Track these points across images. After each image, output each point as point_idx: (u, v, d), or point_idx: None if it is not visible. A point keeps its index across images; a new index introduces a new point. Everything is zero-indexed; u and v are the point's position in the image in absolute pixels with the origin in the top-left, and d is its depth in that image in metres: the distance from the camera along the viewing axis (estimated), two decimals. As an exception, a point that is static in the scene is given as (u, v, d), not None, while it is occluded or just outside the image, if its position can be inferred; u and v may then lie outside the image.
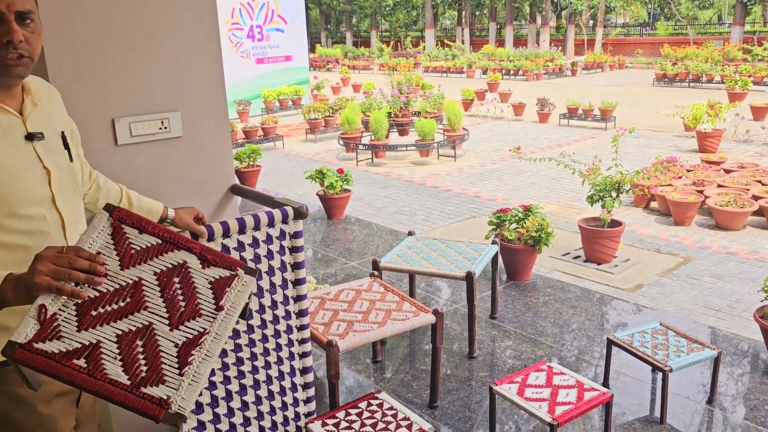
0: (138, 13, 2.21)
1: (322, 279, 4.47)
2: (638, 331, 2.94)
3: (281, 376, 2.32)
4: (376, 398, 2.45)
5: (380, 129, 9.53)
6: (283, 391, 2.34)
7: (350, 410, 2.38)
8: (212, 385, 2.14)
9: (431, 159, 9.75)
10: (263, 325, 2.22)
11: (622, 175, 5.02)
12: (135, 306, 1.20)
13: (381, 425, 2.28)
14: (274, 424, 2.34)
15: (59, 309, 1.16)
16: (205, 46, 2.40)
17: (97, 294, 1.19)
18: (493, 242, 3.59)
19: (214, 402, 2.15)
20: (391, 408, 2.38)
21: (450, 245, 3.58)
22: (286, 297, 2.27)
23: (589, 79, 22.17)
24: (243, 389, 2.22)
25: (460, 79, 23.52)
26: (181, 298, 1.24)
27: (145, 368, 1.14)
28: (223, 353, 2.15)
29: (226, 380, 2.17)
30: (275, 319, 2.25)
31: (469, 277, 3.12)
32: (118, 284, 1.21)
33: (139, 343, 1.17)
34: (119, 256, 1.24)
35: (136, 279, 1.22)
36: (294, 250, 2.25)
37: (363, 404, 2.41)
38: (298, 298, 2.31)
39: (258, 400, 2.27)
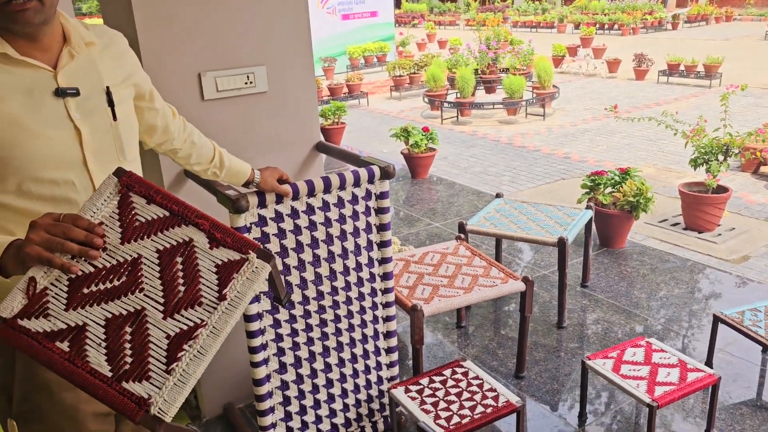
0: (224, -38, 2.14)
1: (405, 239, 4.40)
2: (749, 308, 2.69)
3: (365, 339, 2.27)
4: (461, 366, 2.36)
5: (466, 86, 9.25)
6: (366, 355, 2.29)
7: (434, 377, 2.31)
8: (296, 346, 2.11)
9: (519, 118, 9.40)
10: (347, 287, 2.17)
11: (731, 137, 4.61)
12: (130, 287, 1.09)
13: (466, 395, 2.20)
14: (356, 387, 2.30)
15: (51, 284, 1.07)
16: (291, 2, 2.31)
17: (92, 269, 1.09)
18: (588, 207, 3.38)
19: (297, 363, 2.13)
20: (477, 377, 2.29)
21: (540, 209, 3.40)
22: (371, 259, 2.20)
23: (691, 33, 20.66)
24: (326, 351, 2.19)
25: (550, 34, 22.51)
26: (181, 281, 1.11)
27: (130, 359, 1.04)
28: (307, 314, 2.12)
29: (310, 341, 2.14)
30: (359, 282, 2.19)
31: (561, 244, 2.95)
32: (116, 260, 1.10)
33: (128, 330, 1.06)
34: (122, 227, 1.13)
35: (136, 256, 1.11)
36: (380, 211, 2.16)
37: (447, 372, 2.33)
38: (383, 261, 2.23)
39: (341, 363, 2.23)
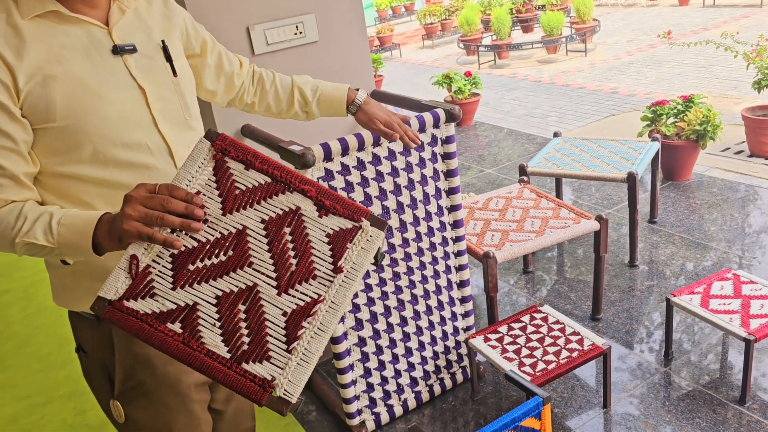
0: None
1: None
2: (842, 232, 2.53)
3: (438, 290, 2.20)
4: (540, 311, 2.29)
5: (502, 27, 8.93)
6: (441, 306, 2.23)
7: (513, 324, 2.23)
8: (371, 301, 2.06)
9: (559, 56, 9.06)
10: (418, 237, 2.09)
11: (799, 54, 4.32)
12: (238, 261, 1.01)
13: (549, 340, 2.12)
14: (433, 338, 2.25)
15: (153, 260, 0.99)
16: (337, -63, 2.18)
17: (195, 244, 1.01)
18: (653, 138, 3.21)
19: (374, 318, 2.08)
20: (558, 322, 2.21)
21: (603, 144, 3.24)
22: (440, 207, 2.11)
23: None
24: (401, 304, 2.13)
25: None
26: (292, 254, 1.02)
27: (247, 339, 0.97)
28: (380, 268, 2.05)
29: (384, 296, 2.08)
30: (430, 231, 2.11)
31: (631, 179, 2.81)
32: (219, 233, 1.02)
33: (242, 308, 0.99)
34: (221, 197, 1.04)
35: (240, 227, 1.02)
36: (447, 156, 2.06)
37: (526, 318, 2.26)
38: (453, 209, 2.14)
39: (416, 315, 2.17)
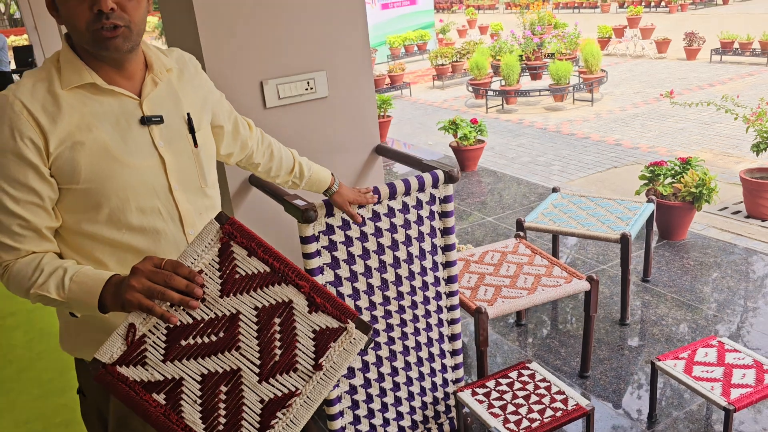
0: (284, -29, 2.15)
1: (458, 235, 4.38)
2: (826, 304, 2.60)
3: (430, 342, 2.27)
4: (527, 368, 2.35)
5: (511, 73, 9.12)
6: (431, 358, 2.29)
7: (500, 380, 2.30)
8: (362, 351, 2.13)
9: (566, 104, 9.23)
10: (413, 291, 2.17)
11: (797, 121, 4.43)
12: (227, 344, 1.07)
13: (534, 398, 2.18)
14: (422, 390, 2.31)
15: (149, 330, 1.06)
16: (351, 5, 2.31)
17: (191, 320, 1.08)
18: (649, 200, 3.30)
19: (365, 367, 2.15)
20: (544, 380, 2.27)
21: (600, 203, 3.34)
22: (435, 263, 2.20)
23: (744, 8, 19.87)
24: (393, 355, 2.20)
25: (593, 14, 21.97)
26: (278, 344, 1.09)
27: (223, 420, 1.03)
28: (374, 319, 2.13)
29: (377, 346, 2.15)
30: (424, 285, 2.19)
31: (624, 240, 2.89)
32: (215, 314, 1.09)
33: (223, 389, 1.05)
34: (222, 279, 1.11)
35: (234, 311, 1.09)
36: (444, 215, 2.15)
37: (514, 374, 2.32)
38: (448, 264, 2.23)
39: (407, 366, 2.24)
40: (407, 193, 2.05)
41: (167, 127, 1.31)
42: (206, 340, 1.07)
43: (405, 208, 2.07)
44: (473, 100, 9.99)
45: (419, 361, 2.27)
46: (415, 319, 2.21)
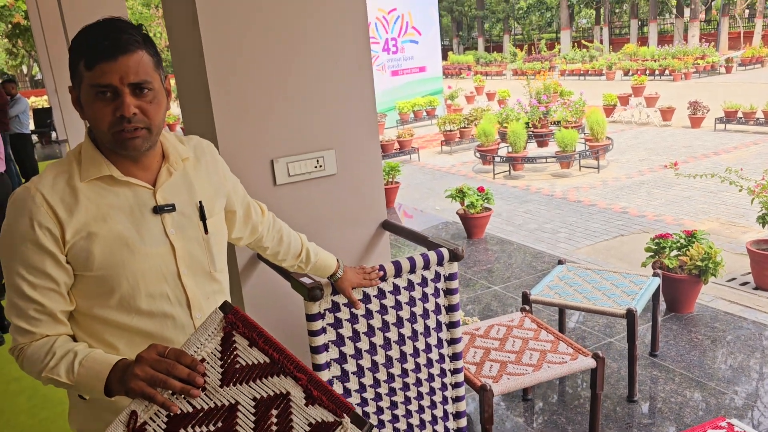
0: (296, 58, 2.25)
1: (464, 304, 4.38)
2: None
3: (434, 420, 2.25)
4: (533, 448, 2.32)
5: (518, 141, 9.27)
6: (436, 436, 2.27)
7: (506, 460, 2.26)
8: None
9: (572, 171, 9.34)
10: (417, 368, 2.17)
11: (802, 193, 4.47)
12: (225, 430, 1.10)
13: (540, 481, 2.15)
14: (426, 469, 2.28)
15: (150, 418, 1.08)
16: (359, 85, 2.40)
17: (191, 409, 1.10)
18: (655, 274, 3.31)
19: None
20: (550, 461, 2.24)
21: (605, 276, 3.35)
22: (440, 340, 2.21)
23: (747, 77, 20.28)
24: (396, 433, 2.18)
25: (599, 81, 22.46)
26: None
27: None
28: (378, 397, 2.13)
29: (380, 424, 2.14)
30: (429, 363, 2.19)
31: (630, 316, 2.89)
32: (214, 403, 1.11)
33: None
34: (223, 368, 1.14)
35: (233, 402, 1.12)
36: (449, 292, 2.18)
37: (519, 454, 2.29)
38: (452, 341, 2.23)
39: (411, 445, 2.22)
40: (412, 270, 2.08)
41: (179, 214, 1.36)
42: (204, 429, 1.09)
43: (410, 286, 2.10)
44: (480, 165, 10.13)
45: (423, 440, 2.24)
46: (420, 396, 2.20)
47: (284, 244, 1.77)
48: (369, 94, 2.45)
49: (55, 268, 1.24)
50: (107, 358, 1.19)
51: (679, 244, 3.89)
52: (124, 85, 1.21)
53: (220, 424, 1.09)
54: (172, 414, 1.09)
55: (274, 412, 1.12)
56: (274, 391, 1.13)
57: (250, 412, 1.12)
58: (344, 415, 1.13)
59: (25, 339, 1.24)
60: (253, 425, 1.10)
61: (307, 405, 1.13)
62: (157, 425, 1.08)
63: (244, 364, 1.14)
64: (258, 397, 1.13)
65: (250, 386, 1.13)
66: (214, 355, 1.14)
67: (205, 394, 1.11)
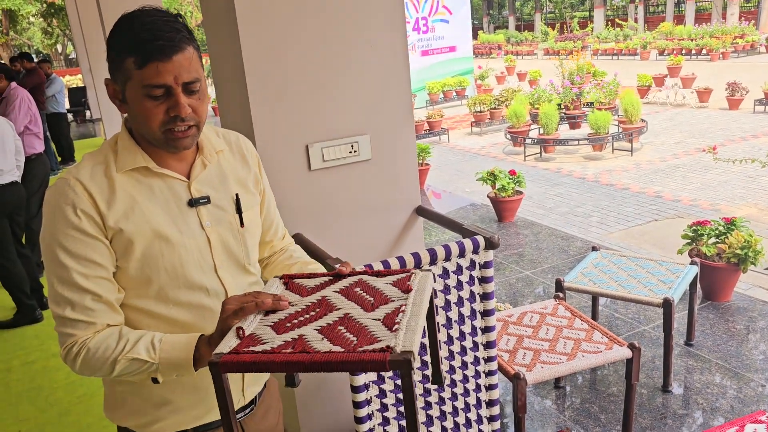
0: (332, 42, 2.22)
1: (495, 289, 4.35)
2: None
3: (467, 407, 2.25)
4: (567, 438, 2.30)
5: (550, 122, 9.14)
6: (468, 423, 2.27)
7: (539, 449, 2.25)
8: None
9: (605, 153, 9.18)
10: (451, 356, 2.16)
11: None
12: (327, 310, 1.16)
13: (574, 471, 2.13)
14: (459, 456, 2.28)
15: (254, 330, 1.12)
16: (395, 70, 2.37)
17: (288, 315, 1.16)
18: (692, 262, 3.24)
19: (402, 432, 2.14)
20: (584, 451, 2.22)
21: (641, 264, 3.29)
22: (474, 328, 2.19)
23: (788, 57, 19.65)
24: (429, 420, 2.18)
25: (633, 61, 21.96)
26: (368, 296, 1.19)
27: (355, 339, 1.06)
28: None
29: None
30: (462, 350, 2.18)
31: (666, 305, 2.84)
32: (304, 305, 1.18)
33: (342, 328, 1.10)
34: (296, 294, 1.23)
35: (320, 297, 1.20)
36: (483, 280, 2.16)
37: (552, 444, 2.27)
38: (486, 330, 2.22)
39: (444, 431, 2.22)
40: (447, 258, 2.06)
41: (214, 206, 1.35)
42: (307, 316, 1.15)
43: (445, 273, 2.08)
44: (511, 147, 10.01)
45: (456, 427, 2.24)
46: (453, 384, 2.20)
47: (271, 266, 1.62)
48: (404, 79, 2.42)
49: (104, 256, 1.24)
50: (189, 335, 1.22)
51: (717, 232, 3.80)
52: (179, 85, 1.20)
53: (319, 309, 1.16)
54: (273, 323, 1.14)
55: (358, 289, 1.21)
56: (349, 283, 1.24)
57: (339, 296, 1.19)
58: (411, 270, 1.26)
59: (87, 332, 1.22)
60: (346, 300, 1.18)
61: (379, 278, 1.25)
62: (263, 329, 1.12)
63: (313, 286, 1.25)
64: (338, 290, 1.22)
65: (326, 289, 1.23)
66: (286, 293, 1.25)
67: (292, 306, 1.19)
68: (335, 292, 1.21)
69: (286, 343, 1.08)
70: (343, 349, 1.03)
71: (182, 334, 1.23)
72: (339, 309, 1.15)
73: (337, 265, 1.30)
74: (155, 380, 1.26)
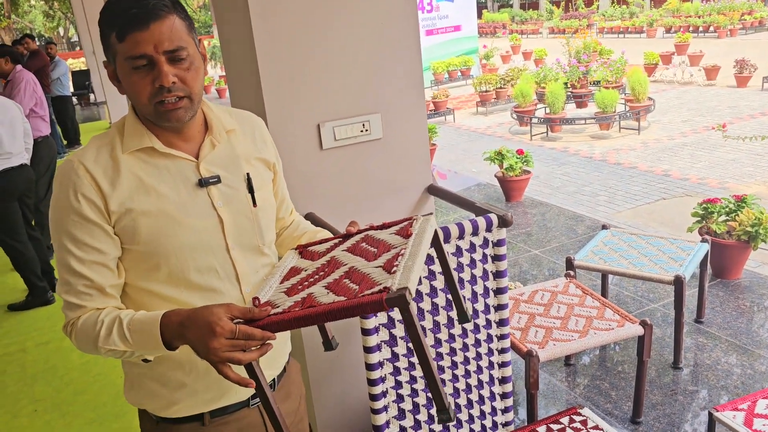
0: (342, 21, 2.21)
1: (503, 267, 4.36)
2: None
3: (480, 385, 2.27)
4: (579, 414, 2.32)
5: (556, 101, 9.08)
6: (481, 400, 2.29)
7: (551, 425, 2.27)
8: (414, 392, 2.14)
9: (612, 132, 9.12)
10: (464, 333, 2.18)
11: None
12: (334, 267, 1.23)
13: (587, 446, 2.15)
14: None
15: (270, 297, 1.20)
16: (406, 48, 2.36)
17: (299, 279, 1.24)
18: (703, 240, 3.24)
19: (415, 409, 2.16)
20: (597, 427, 2.24)
21: (651, 242, 3.29)
22: (487, 306, 2.20)
23: (797, 33, 19.42)
24: (443, 397, 2.20)
25: (639, 39, 21.74)
26: (371, 248, 1.26)
27: (356, 287, 1.11)
28: (425, 361, 2.14)
29: (428, 387, 2.16)
30: (475, 328, 2.19)
31: (678, 282, 2.84)
32: (315, 268, 1.27)
33: (346, 280, 1.15)
34: (309, 260, 1.32)
35: (329, 258, 1.28)
36: (497, 258, 2.16)
37: (565, 419, 2.29)
38: (499, 307, 2.22)
39: (457, 408, 2.24)
40: (461, 236, 2.07)
41: (225, 186, 1.33)
42: (317, 277, 1.22)
43: (458, 252, 2.09)
44: (517, 127, 9.96)
45: (469, 404, 2.26)
46: (466, 361, 2.21)
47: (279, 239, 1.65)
48: (416, 57, 2.41)
49: (102, 241, 1.22)
50: (149, 317, 1.18)
51: (727, 209, 3.79)
52: (160, 54, 1.17)
53: (327, 269, 1.23)
54: (286, 289, 1.22)
55: (363, 244, 1.30)
56: (356, 240, 1.33)
57: (347, 253, 1.27)
58: (413, 217, 1.34)
59: (76, 313, 1.23)
60: (351, 254, 1.25)
61: (383, 230, 1.34)
62: (277, 297, 1.19)
63: (324, 250, 1.34)
64: (346, 248, 1.31)
65: (336, 250, 1.31)
66: (298, 258, 1.36)
67: (305, 271, 1.27)
68: (343, 251, 1.29)
69: (296, 303, 1.14)
70: (345, 298, 1.09)
71: (145, 318, 1.20)
72: (345, 264, 1.22)
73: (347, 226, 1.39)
74: (146, 360, 1.27)
